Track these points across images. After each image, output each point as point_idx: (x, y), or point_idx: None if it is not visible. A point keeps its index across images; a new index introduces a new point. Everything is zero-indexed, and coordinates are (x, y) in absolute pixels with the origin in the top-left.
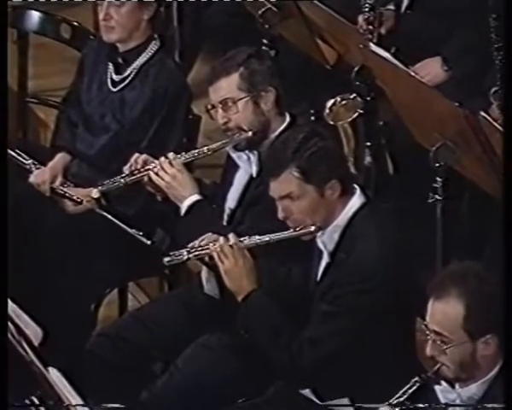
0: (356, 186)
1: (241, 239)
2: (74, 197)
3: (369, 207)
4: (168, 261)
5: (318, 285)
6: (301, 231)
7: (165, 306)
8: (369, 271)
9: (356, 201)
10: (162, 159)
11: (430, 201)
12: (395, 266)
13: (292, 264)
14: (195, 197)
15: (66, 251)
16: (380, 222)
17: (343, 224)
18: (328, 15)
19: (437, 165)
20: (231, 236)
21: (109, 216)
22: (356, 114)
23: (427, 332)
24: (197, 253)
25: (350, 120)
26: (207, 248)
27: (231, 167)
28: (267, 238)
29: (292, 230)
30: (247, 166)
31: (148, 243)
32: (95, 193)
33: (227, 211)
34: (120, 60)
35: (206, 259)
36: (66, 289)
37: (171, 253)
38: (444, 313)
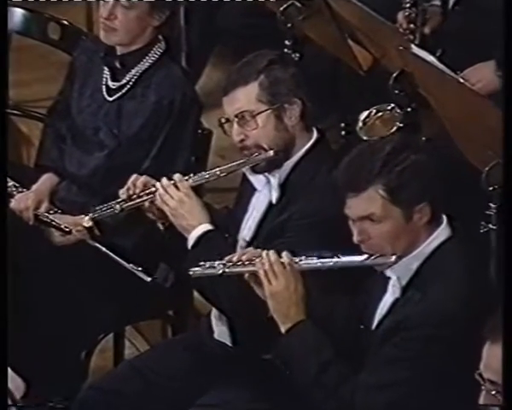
0: (443, 215)
1: (297, 259)
2: (62, 226)
3: (456, 241)
4: (195, 273)
5: (381, 324)
6: (378, 260)
7: (168, 354)
8: (448, 315)
9: (442, 232)
10: (166, 181)
11: (482, 230)
12: (478, 311)
13: (341, 294)
14: (206, 227)
15: (52, 289)
16: (465, 262)
17: (423, 256)
18: (362, 12)
19: (490, 188)
20: (285, 254)
21: (103, 248)
22: (394, 128)
23: (482, 381)
24: (237, 269)
25: (387, 134)
26: (251, 264)
27: (247, 191)
28: (331, 263)
29: (366, 256)
30: (266, 190)
31: (149, 279)
32: (86, 221)
33: (241, 242)
34: (118, 64)
35: (247, 276)
36: (51, 333)
37: (201, 263)
38: (500, 359)
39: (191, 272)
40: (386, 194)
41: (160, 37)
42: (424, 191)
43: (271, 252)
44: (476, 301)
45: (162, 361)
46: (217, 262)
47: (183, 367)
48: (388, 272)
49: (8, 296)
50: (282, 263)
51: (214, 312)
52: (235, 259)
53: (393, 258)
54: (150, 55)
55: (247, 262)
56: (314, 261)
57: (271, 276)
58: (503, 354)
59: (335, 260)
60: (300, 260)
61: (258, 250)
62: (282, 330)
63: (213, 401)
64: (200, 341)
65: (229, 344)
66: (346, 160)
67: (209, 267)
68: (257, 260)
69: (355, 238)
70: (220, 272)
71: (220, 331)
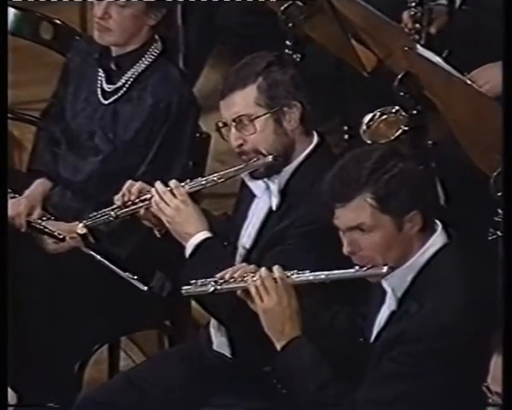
0: (437, 222)
1: (289, 273)
2: (55, 233)
3: (452, 248)
4: (187, 291)
5: (378, 337)
6: (370, 271)
7: (165, 365)
8: (446, 326)
9: (437, 240)
10: (162, 188)
11: (490, 238)
12: (478, 322)
13: (338, 307)
14: (204, 235)
15: (45, 298)
16: (462, 270)
17: (418, 266)
18: (366, 11)
19: (499, 194)
20: (276, 268)
21: (98, 256)
22: (399, 132)
23: (489, 394)
24: (228, 286)
25: (392, 138)
26: (243, 281)
27: (246, 197)
28: (323, 276)
29: (357, 268)
30: (265, 196)
31: (145, 288)
32: (80, 228)
33: (240, 250)
34: (113, 66)
35: (239, 293)
36: (43, 344)
37: (192, 281)
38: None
39: (183, 291)
40: (375, 202)
41: (157, 37)
42: (414, 199)
43: (263, 268)
44: (475, 311)
45: (159, 373)
46: (208, 279)
47: (181, 379)
48: (384, 284)
49: (7, 297)
50: (274, 278)
51: (213, 322)
52: (227, 276)
53: (385, 269)
54: (146, 56)
55: (239, 279)
56: (306, 275)
57: (263, 292)
58: (503, 355)
59: (327, 273)
60: (292, 275)
61: (251, 266)
62: (278, 347)
63: None
64: (198, 352)
65: (229, 355)
66: (332, 171)
67: (201, 285)
68: (249, 276)
69: (345, 249)
70: (212, 289)
71: (219, 342)
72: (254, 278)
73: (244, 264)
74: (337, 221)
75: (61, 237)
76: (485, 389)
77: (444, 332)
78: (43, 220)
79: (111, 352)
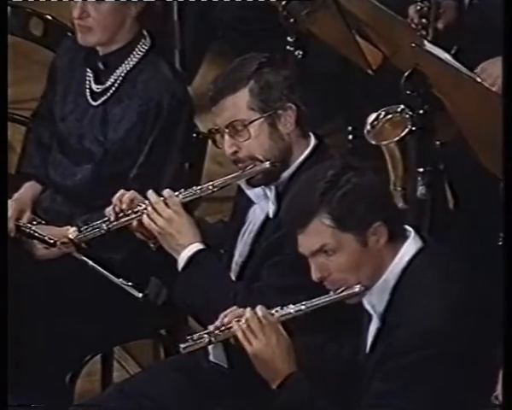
0: (409, 228)
1: (272, 311)
2: (46, 238)
3: (427, 253)
4: (185, 348)
5: (369, 358)
6: (344, 293)
7: (160, 376)
8: (429, 334)
9: (410, 247)
10: (155, 198)
11: (501, 243)
12: (462, 328)
13: (328, 335)
14: (196, 247)
15: (34, 306)
16: (441, 272)
17: (394, 278)
18: (371, 6)
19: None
20: (259, 308)
21: (90, 262)
22: (405, 132)
23: (497, 403)
24: (222, 335)
25: (397, 139)
26: (231, 327)
27: (243, 203)
28: (302, 307)
29: (332, 293)
30: (262, 202)
31: (140, 296)
32: (72, 233)
33: (236, 258)
34: (101, 65)
35: (232, 341)
36: (32, 354)
37: (188, 337)
38: None
39: (181, 348)
40: (333, 222)
41: (145, 32)
42: (373, 212)
43: (247, 309)
44: (459, 312)
45: (154, 385)
46: (203, 333)
47: (177, 391)
48: (365, 303)
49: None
50: (258, 318)
51: None
52: (218, 324)
53: (357, 288)
54: (135, 53)
55: (229, 326)
56: (288, 311)
57: (250, 335)
58: (503, 356)
59: (306, 303)
60: (276, 312)
61: (239, 310)
62: (273, 386)
63: None
64: (194, 363)
65: (226, 366)
66: (287, 196)
67: (198, 339)
68: (234, 322)
69: (314, 276)
70: (207, 341)
71: (216, 353)
72: (240, 322)
73: (234, 307)
74: (301, 249)
75: (51, 241)
76: (493, 400)
77: (431, 338)
78: (33, 225)
79: (104, 362)
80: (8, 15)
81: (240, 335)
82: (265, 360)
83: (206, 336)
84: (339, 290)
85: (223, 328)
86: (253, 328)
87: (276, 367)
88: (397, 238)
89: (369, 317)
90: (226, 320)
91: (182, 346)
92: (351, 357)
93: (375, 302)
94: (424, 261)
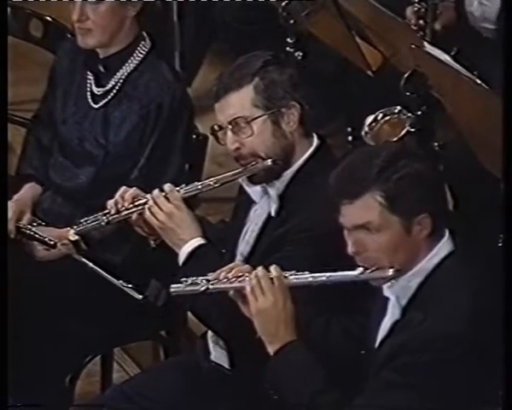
0: (445, 228)
1: (287, 274)
2: (46, 239)
3: (458, 255)
4: (175, 290)
5: (381, 346)
6: (374, 274)
7: (160, 377)
8: (451, 337)
9: (443, 247)
10: (156, 192)
11: (500, 244)
12: (484, 332)
13: (330, 314)
14: (197, 241)
15: (35, 307)
16: (470, 277)
17: (425, 273)
18: (371, 7)
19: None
20: (274, 267)
21: (90, 264)
22: (403, 132)
23: None
24: (221, 285)
25: (395, 139)
26: (237, 281)
27: (245, 203)
28: (323, 277)
29: (361, 270)
30: (264, 202)
31: (139, 297)
32: (72, 234)
33: (239, 258)
34: (102, 68)
35: (231, 293)
36: (32, 355)
37: (182, 279)
38: None
39: (172, 289)
40: (385, 201)
41: (145, 34)
42: (424, 202)
43: (259, 267)
44: (481, 321)
45: (154, 386)
46: (200, 278)
47: (177, 392)
48: (386, 292)
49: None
50: (271, 278)
51: (211, 332)
52: (222, 276)
53: (391, 271)
54: (135, 55)
55: (233, 279)
56: (305, 276)
57: (258, 292)
58: (504, 356)
59: (328, 274)
60: (290, 275)
61: (246, 266)
62: (270, 351)
63: None
64: (195, 363)
65: (227, 367)
66: (339, 166)
67: (191, 284)
68: (245, 276)
69: (349, 249)
70: (203, 288)
71: (217, 353)
72: (251, 277)
73: (239, 262)
74: (343, 219)
75: (51, 243)
76: None
77: (448, 343)
78: (33, 226)
79: (104, 364)
80: (8, 16)
81: (248, 289)
82: (268, 320)
83: (204, 281)
84: (370, 270)
85: (224, 279)
86: (263, 285)
87: (277, 331)
88: (435, 235)
89: (384, 306)
90: (231, 274)
91: (172, 287)
92: (341, 339)
93: (399, 293)
94: (454, 264)
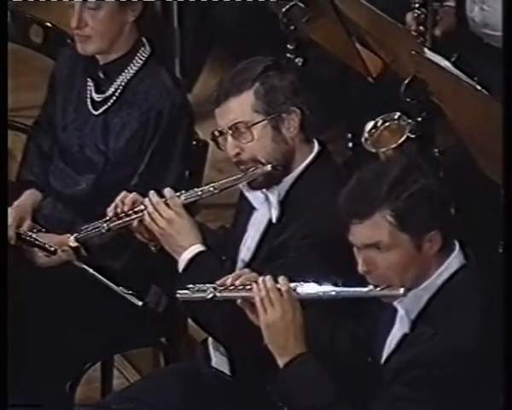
0: (455, 241)
1: (294, 286)
2: (46, 246)
3: (469, 270)
4: (182, 296)
5: (389, 359)
6: (385, 292)
7: (160, 384)
8: (462, 353)
9: (454, 261)
10: (156, 198)
11: (501, 250)
12: (495, 348)
13: (337, 318)
14: (197, 248)
15: (34, 314)
16: (481, 290)
17: (435, 288)
18: (371, 13)
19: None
20: (282, 279)
21: (90, 270)
22: (403, 138)
23: None
24: (229, 293)
25: (395, 145)
26: (245, 289)
27: (245, 209)
28: (333, 292)
29: (371, 287)
30: (264, 208)
31: (140, 303)
32: (72, 241)
33: (239, 264)
34: (101, 74)
35: (239, 302)
36: (32, 361)
37: (190, 286)
38: None
39: (179, 295)
40: (394, 220)
41: (144, 40)
42: (434, 218)
43: (268, 278)
44: (492, 336)
45: (154, 392)
46: (207, 285)
47: (178, 398)
48: (397, 306)
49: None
50: (279, 290)
51: (211, 339)
52: (228, 282)
53: (402, 290)
54: (134, 61)
55: (240, 287)
56: (314, 291)
57: (267, 304)
58: (504, 356)
59: (338, 289)
60: (300, 288)
61: (254, 274)
62: (280, 363)
63: None
64: (195, 369)
65: (228, 373)
66: (348, 185)
67: (199, 290)
68: (253, 285)
69: (360, 268)
70: (210, 296)
71: (218, 359)
72: (259, 288)
73: (246, 270)
74: (352, 238)
75: (52, 249)
76: None
77: (460, 359)
78: (33, 232)
79: (104, 370)
80: (8, 22)
81: (257, 301)
82: (278, 332)
83: (211, 289)
84: (380, 288)
85: (232, 287)
86: (272, 297)
87: (286, 344)
88: (445, 249)
89: (392, 318)
90: (238, 282)
91: (179, 293)
92: (349, 349)
93: (409, 308)
94: (465, 279)
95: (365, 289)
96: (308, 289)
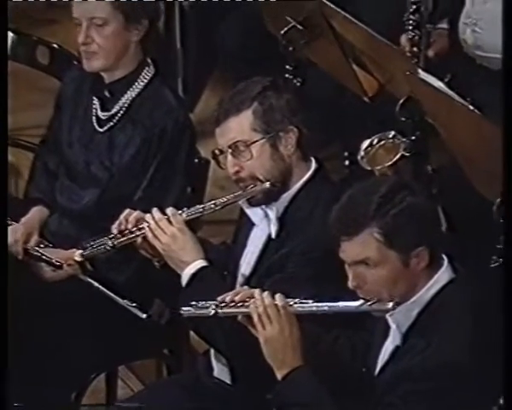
0: (443, 256)
1: (291, 302)
2: (53, 260)
3: (459, 284)
4: (186, 313)
5: (382, 371)
6: (375, 306)
7: (163, 394)
8: (454, 366)
9: (443, 275)
10: (159, 215)
11: (493, 265)
12: (485, 358)
13: (339, 331)
14: (200, 264)
15: (41, 326)
16: (471, 303)
17: (424, 302)
18: (367, 35)
19: (502, 220)
20: (278, 296)
21: (95, 284)
22: (398, 156)
23: None
24: (229, 310)
25: (390, 163)
26: (243, 305)
27: (245, 225)
28: (326, 307)
29: (362, 301)
30: (264, 224)
31: (143, 316)
32: (78, 256)
33: (240, 279)
34: (107, 93)
35: (240, 318)
36: (39, 372)
37: (192, 303)
38: None
39: (182, 312)
40: (382, 237)
41: (149, 60)
42: (421, 235)
43: (265, 294)
44: (483, 348)
45: (157, 402)
46: (210, 302)
47: (180, 408)
48: (388, 319)
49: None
50: (276, 306)
51: (213, 350)
52: (228, 299)
53: (391, 305)
54: (139, 80)
55: (240, 303)
56: (308, 305)
57: (265, 320)
58: (504, 356)
59: (330, 304)
60: (295, 303)
61: (252, 290)
62: (278, 376)
63: None
64: (197, 379)
65: (229, 382)
66: (339, 203)
67: (201, 307)
68: (250, 301)
69: (350, 283)
70: (212, 313)
71: (220, 369)
72: (257, 304)
73: (245, 287)
74: (343, 254)
75: (58, 264)
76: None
77: (452, 372)
78: (40, 248)
79: (108, 381)
80: (10, 41)
81: (255, 317)
82: (276, 347)
83: (213, 306)
84: (370, 302)
85: (232, 304)
86: (270, 314)
87: (284, 357)
88: (433, 264)
89: (385, 332)
90: (237, 298)
91: (183, 310)
92: (349, 358)
93: (399, 321)
94: (454, 292)
95: (356, 304)
96: (302, 304)
